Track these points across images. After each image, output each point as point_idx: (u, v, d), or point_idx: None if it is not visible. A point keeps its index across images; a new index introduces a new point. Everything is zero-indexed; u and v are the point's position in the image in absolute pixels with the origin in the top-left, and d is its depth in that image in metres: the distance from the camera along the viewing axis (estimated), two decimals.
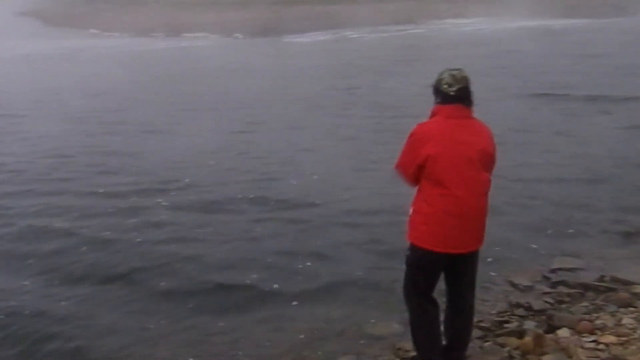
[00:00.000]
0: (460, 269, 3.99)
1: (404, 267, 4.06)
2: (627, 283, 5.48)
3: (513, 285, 5.68)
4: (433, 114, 3.92)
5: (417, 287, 4.02)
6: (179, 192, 8.77)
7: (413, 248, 3.93)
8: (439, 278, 4.05)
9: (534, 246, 6.58)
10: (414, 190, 3.99)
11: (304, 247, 6.70)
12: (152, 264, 6.39)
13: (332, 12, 44.28)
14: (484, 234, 3.95)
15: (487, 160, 3.87)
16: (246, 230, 7.27)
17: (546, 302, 5.27)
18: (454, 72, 3.87)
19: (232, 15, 45.49)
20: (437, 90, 3.91)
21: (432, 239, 3.83)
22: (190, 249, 6.74)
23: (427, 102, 4.08)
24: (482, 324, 4.86)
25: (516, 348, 4.48)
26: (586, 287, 5.51)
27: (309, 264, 6.30)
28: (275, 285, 5.86)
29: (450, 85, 3.82)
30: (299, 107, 14.69)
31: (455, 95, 3.82)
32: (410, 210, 3.96)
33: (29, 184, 9.43)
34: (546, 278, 5.79)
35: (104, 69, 24.04)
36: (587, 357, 4.25)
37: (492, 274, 5.88)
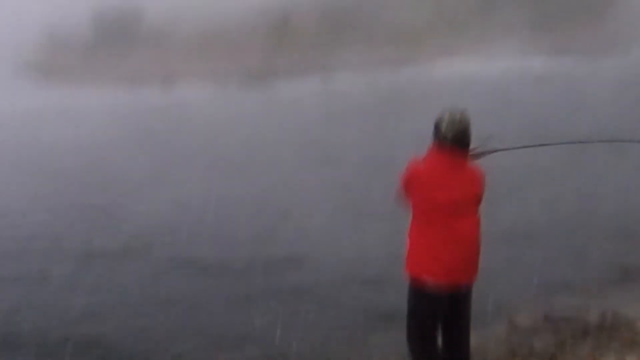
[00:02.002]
0: (458, 308, 3.99)
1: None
2: (630, 321, 5.39)
3: (514, 325, 5.58)
4: (429, 152, 3.98)
5: (420, 329, 3.98)
6: (163, 251, 8.45)
7: (410, 284, 3.95)
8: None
9: (533, 284, 6.51)
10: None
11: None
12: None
13: (324, 59, 44.96)
14: (478, 266, 4.00)
15: (475, 202, 3.98)
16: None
17: (548, 342, 5.18)
18: (454, 116, 3.88)
19: (224, 66, 46.09)
20: (436, 128, 3.96)
21: (427, 275, 3.85)
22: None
23: (421, 150, 4.15)
24: None
25: None
26: (588, 326, 5.41)
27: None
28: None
29: (447, 129, 3.85)
30: (291, 157, 14.66)
31: (451, 139, 3.85)
32: (407, 247, 3.99)
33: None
34: (548, 317, 5.70)
35: (96, 120, 24.04)
36: None
37: (490, 313, 5.77)
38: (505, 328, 5.58)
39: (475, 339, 5.16)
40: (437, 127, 3.92)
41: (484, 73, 34.30)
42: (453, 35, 54.18)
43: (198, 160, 14.80)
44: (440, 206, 3.82)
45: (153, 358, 5.75)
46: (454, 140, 3.84)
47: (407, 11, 59.27)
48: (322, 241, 8.41)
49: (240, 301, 6.63)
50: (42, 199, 11.84)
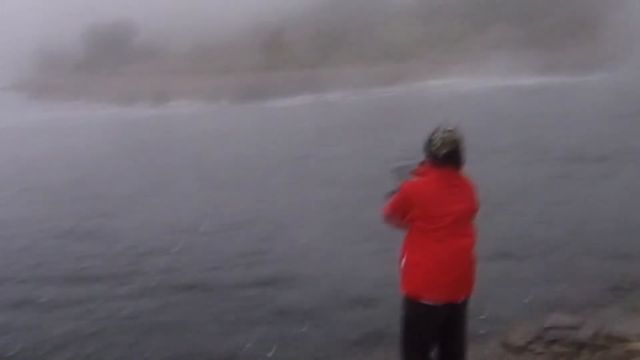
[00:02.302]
0: (456, 321, 4.01)
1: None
2: (622, 339, 5.37)
3: (506, 345, 5.55)
4: (423, 173, 3.96)
5: (416, 346, 3.96)
6: (151, 272, 8.30)
7: (408, 302, 3.93)
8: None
9: (526, 301, 6.51)
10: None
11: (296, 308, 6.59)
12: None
13: (316, 76, 45.18)
14: (474, 282, 4.05)
15: (472, 216, 4.04)
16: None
17: None
18: (445, 135, 3.89)
19: (216, 82, 46.26)
20: (427, 146, 3.96)
21: (430, 291, 3.85)
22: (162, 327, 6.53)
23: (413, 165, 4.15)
24: None
25: None
26: (580, 345, 5.39)
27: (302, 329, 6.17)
28: None
29: (439, 148, 3.87)
30: (282, 174, 14.65)
31: (443, 158, 3.87)
32: (404, 263, 3.97)
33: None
34: (540, 336, 5.67)
35: (86, 138, 24.04)
36: None
37: (484, 332, 5.79)
38: (498, 347, 5.55)
39: (469, 358, 5.14)
40: (429, 144, 3.93)
41: (474, 89, 34.61)
42: (444, 52, 54.74)
43: (187, 178, 14.69)
44: (443, 222, 3.85)
45: None
46: (448, 157, 3.87)
47: (399, 29, 59.88)
48: (312, 259, 8.35)
49: (231, 320, 6.55)
50: (29, 218, 11.69)
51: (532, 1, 59.23)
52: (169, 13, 65.26)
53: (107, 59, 60.91)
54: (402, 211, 3.95)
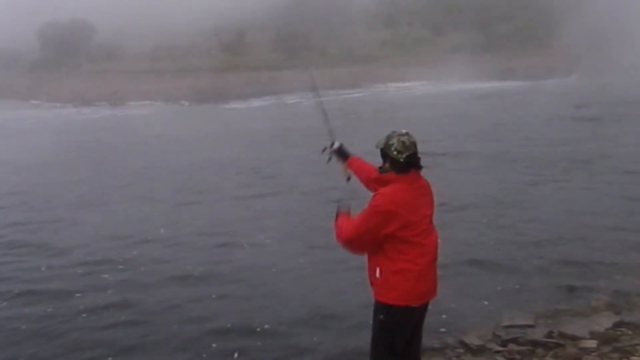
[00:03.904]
0: (420, 322, 4.05)
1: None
2: (574, 338, 5.52)
3: (464, 344, 5.64)
4: (387, 181, 3.90)
5: (394, 351, 3.97)
6: (118, 271, 8.18)
7: (390, 309, 3.89)
8: None
9: (485, 302, 6.63)
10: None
11: (250, 323, 6.43)
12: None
13: (275, 79, 45.09)
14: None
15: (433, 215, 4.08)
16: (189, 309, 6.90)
17: None
18: (403, 139, 3.87)
19: (175, 83, 45.76)
20: (386, 155, 3.92)
21: (414, 295, 3.86)
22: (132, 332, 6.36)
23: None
24: None
25: None
26: (536, 343, 5.52)
27: (257, 342, 6.04)
28: None
29: (399, 152, 3.84)
30: (239, 175, 14.49)
31: (405, 162, 3.85)
32: (379, 273, 3.90)
33: None
34: (497, 336, 5.79)
35: (40, 140, 23.36)
36: None
37: (443, 331, 5.89)
38: (458, 346, 5.64)
39: (429, 358, 5.22)
40: (389, 150, 3.89)
41: (434, 92, 35.08)
42: (405, 55, 55.27)
43: (138, 183, 14.24)
44: (421, 226, 3.87)
45: None
46: (408, 162, 3.86)
47: (360, 34, 60.28)
48: (273, 274, 7.97)
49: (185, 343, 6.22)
50: None
51: (491, 7, 60.37)
52: (128, 12, 64.29)
53: (64, 58, 59.64)
54: (377, 229, 3.81)
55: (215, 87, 43.14)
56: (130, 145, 21.21)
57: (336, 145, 4.53)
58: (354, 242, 3.91)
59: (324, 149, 4.57)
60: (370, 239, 3.84)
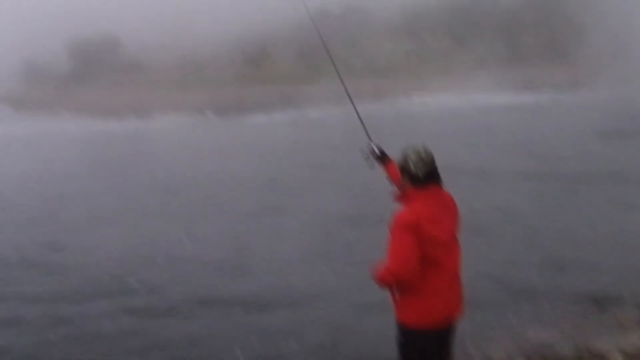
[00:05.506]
0: (451, 335, 3.97)
1: None
2: (601, 354, 5.46)
3: (490, 359, 5.61)
4: (408, 198, 3.82)
5: None
6: (125, 295, 8.04)
7: (412, 333, 3.80)
8: None
9: (510, 315, 6.59)
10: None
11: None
12: None
13: (299, 91, 45.27)
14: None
15: (458, 231, 3.97)
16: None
17: None
18: (421, 154, 3.81)
19: (200, 96, 46.17)
20: (404, 170, 3.85)
21: (439, 314, 3.79)
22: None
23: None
24: None
25: None
26: (561, 359, 5.47)
27: None
28: None
29: (418, 168, 3.77)
30: (261, 190, 14.36)
31: (424, 177, 3.78)
32: (400, 293, 3.81)
33: None
34: (522, 350, 5.74)
35: (63, 155, 23.53)
36: None
37: (468, 344, 5.83)
38: None
39: None
40: (405, 168, 3.84)
41: (457, 106, 34.90)
42: (427, 68, 55.13)
43: (159, 196, 14.20)
44: (440, 245, 3.74)
45: None
46: (427, 177, 3.79)
47: (383, 46, 60.27)
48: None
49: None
50: None
51: (515, 19, 60.05)
52: (153, 26, 65.14)
53: (91, 72, 60.59)
54: (415, 248, 3.63)
55: (239, 100, 43.47)
56: (150, 159, 21.01)
57: (377, 150, 4.60)
58: (395, 274, 3.66)
59: (367, 156, 4.60)
60: (410, 263, 3.64)
